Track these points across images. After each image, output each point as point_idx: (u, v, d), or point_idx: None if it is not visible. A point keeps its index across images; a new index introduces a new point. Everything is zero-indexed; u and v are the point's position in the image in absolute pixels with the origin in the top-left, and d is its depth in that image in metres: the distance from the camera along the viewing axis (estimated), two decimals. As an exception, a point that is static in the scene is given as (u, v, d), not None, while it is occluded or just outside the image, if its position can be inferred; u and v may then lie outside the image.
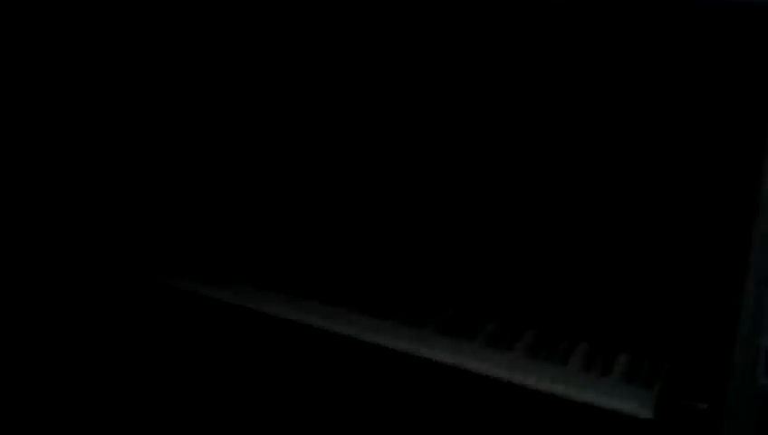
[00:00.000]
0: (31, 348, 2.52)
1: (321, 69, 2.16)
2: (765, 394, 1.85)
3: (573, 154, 1.85)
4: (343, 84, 2.11)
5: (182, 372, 2.32)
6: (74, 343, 2.49)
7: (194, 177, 2.38)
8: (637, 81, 1.77)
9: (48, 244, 2.47)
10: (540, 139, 1.88)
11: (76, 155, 2.55)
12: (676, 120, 1.74)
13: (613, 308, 1.82)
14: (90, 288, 2.37)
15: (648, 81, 1.75)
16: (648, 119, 1.77)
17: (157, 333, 2.31)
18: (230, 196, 2.32)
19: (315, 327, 1.93)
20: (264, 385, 2.17)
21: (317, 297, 2.03)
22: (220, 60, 2.31)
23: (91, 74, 2.52)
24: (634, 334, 1.81)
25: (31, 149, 2.53)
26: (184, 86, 2.38)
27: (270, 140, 2.24)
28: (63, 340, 2.50)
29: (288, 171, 2.22)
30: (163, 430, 2.36)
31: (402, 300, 2.03)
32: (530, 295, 1.91)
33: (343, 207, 2.13)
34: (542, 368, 1.74)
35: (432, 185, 2.01)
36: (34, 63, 2.51)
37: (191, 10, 2.33)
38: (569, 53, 1.82)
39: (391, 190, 2.06)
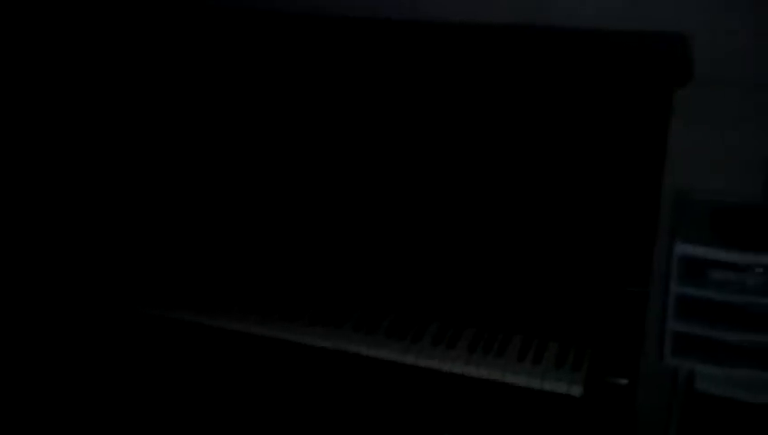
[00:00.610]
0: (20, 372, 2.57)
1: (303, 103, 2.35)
2: (673, 371, 2.15)
3: (496, 165, 2.10)
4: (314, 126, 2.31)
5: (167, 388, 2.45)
6: (60, 371, 2.57)
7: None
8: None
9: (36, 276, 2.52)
10: (460, 149, 2.13)
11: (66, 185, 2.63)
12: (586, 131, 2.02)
13: (541, 305, 2.06)
14: (75, 318, 2.44)
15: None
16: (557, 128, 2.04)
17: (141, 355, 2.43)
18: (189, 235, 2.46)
19: (278, 338, 2.10)
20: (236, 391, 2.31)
21: (278, 313, 2.18)
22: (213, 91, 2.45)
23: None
24: (560, 328, 2.05)
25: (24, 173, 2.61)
26: (173, 116, 2.51)
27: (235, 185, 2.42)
28: (50, 367, 2.58)
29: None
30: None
31: (350, 310, 2.20)
32: (464, 298, 2.13)
33: (291, 223, 2.31)
34: (483, 360, 1.95)
35: (364, 198, 2.22)
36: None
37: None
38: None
39: (331, 205, 2.26)
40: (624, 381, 1.86)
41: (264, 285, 2.30)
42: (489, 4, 2.35)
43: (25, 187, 2.68)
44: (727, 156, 2.20)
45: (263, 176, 2.37)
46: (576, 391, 1.87)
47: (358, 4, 2.53)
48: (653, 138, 1.93)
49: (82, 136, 2.62)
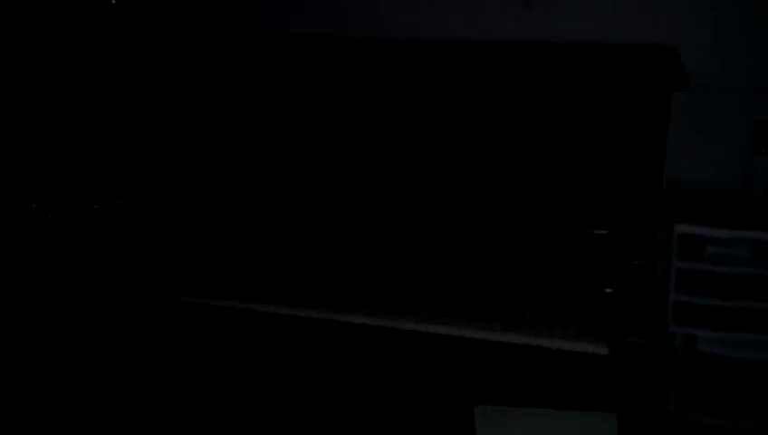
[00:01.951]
0: (32, 358, 2.71)
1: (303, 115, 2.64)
2: (673, 335, 2.46)
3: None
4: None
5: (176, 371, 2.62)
6: (74, 352, 2.70)
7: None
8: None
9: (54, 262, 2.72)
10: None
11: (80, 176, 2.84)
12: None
13: (563, 284, 2.37)
14: (90, 303, 2.64)
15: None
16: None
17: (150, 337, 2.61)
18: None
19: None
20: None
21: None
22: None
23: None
24: (582, 303, 2.34)
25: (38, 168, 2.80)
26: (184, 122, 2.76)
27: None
28: (63, 349, 2.71)
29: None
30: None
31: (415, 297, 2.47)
32: (492, 289, 2.42)
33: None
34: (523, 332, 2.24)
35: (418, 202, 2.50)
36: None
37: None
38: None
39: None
40: (642, 340, 2.18)
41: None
42: (501, 24, 2.67)
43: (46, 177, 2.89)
44: (712, 150, 2.55)
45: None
46: (603, 350, 2.17)
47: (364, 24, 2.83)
48: (655, 133, 2.28)
49: (118, 131, 2.87)
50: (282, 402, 2.51)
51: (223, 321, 2.50)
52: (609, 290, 2.31)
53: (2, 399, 2.64)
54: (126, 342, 2.65)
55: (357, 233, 2.57)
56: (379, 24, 2.81)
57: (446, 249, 2.47)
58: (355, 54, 2.66)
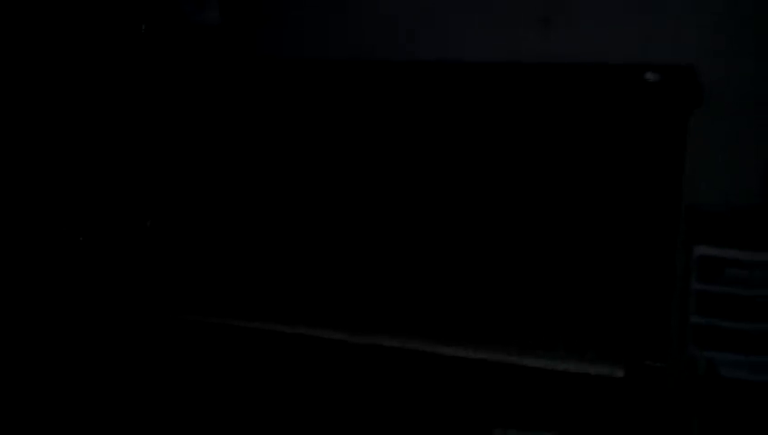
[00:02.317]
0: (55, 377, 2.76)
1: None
2: (694, 359, 2.43)
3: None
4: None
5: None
6: (96, 370, 2.75)
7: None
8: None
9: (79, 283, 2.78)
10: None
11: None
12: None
13: (583, 307, 2.35)
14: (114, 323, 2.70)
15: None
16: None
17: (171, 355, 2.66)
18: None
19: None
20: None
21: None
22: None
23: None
24: (599, 326, 2.33)
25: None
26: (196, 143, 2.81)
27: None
28: (84, 368, 2.76)
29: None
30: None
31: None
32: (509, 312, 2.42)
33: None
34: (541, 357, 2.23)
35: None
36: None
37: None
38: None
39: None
40: (658, 364, 2.15)
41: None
42: (521, 44, 2.69)
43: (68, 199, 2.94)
44: (731, 170, 2.52)
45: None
46: (618, 373, 2.15)
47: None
48: (673, 154, 2.26)
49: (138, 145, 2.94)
50: (296, 424, 2.52)
51: (245, 341, 2.53)
52: (627, 313, 2.29)
53: (17, 411, 2.69)
54: (148, 360, 2.70)
55: (377, 255, 2.59)
56: (398, 46, 2.84)
57: (463, 272, 2.47)
58: (373, 76, 2.69)
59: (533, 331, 2.33)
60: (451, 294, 2.47)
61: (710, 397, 2.46)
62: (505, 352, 2.25)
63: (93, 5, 2.93)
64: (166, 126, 2.96)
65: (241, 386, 2.60)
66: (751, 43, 2.45)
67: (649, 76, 2.32)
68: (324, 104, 2.70)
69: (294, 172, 2.74)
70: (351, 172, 2.65)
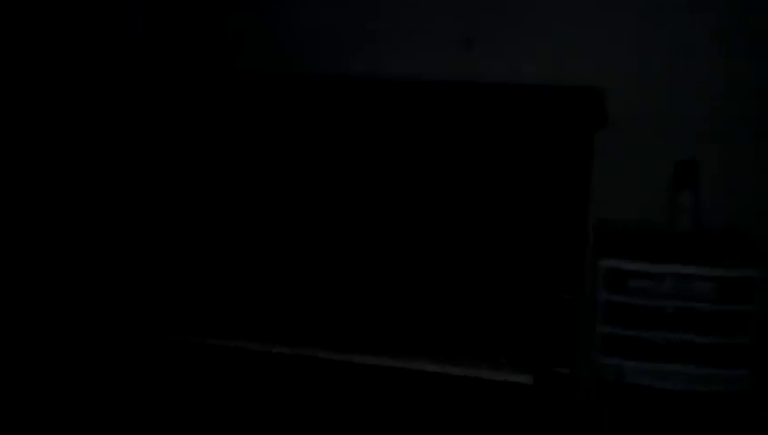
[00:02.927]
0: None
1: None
2: (602, 366, 2.54)
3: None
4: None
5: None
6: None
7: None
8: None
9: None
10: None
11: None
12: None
13: (494, 317, 2.44)
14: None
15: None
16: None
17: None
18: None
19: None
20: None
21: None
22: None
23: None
24: (510, 334, 2.42)
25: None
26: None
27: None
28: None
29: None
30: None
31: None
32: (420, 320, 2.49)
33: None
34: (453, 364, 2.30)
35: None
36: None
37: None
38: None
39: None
40: (566, 370, 2.25)
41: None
42: (443, 65, 2.79)
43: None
44: (637, 187, 2.67)
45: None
46: (527, 380, 2.24)
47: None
48: (580, 171, 2.38)
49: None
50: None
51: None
52: (537, 321, 2.38)
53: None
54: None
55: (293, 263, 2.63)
56: (326, 61, 2.91)
57: (377, 279, 2.54)
58: (298, 89, 2.77)
59: (446, 338, 2.39)
60: (364, 302, 2.53)
61: (617, 402, 2.58)
62: (415, 360, 2.31)
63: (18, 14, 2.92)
64: (88, 138, 2.95)
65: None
66: (663, 69, 2.61)
67: (557, 97, 2.44)
68: (248, 117, 2.74)
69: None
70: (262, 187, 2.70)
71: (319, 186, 2.68)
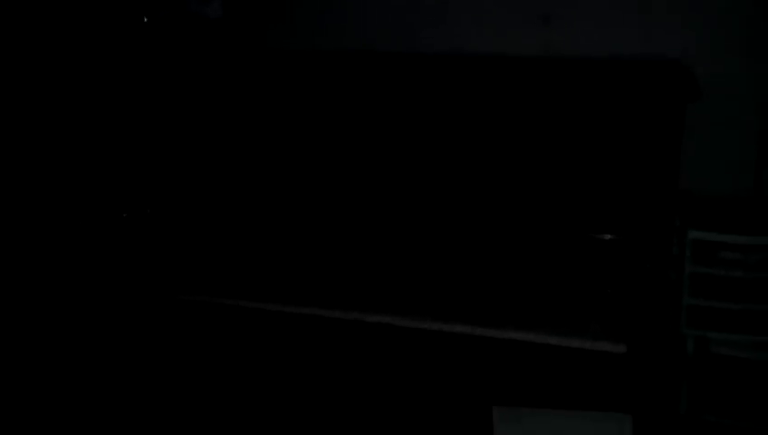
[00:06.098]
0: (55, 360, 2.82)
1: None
2: (687, 337, 2.56)
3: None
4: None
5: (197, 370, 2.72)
6: (99, 351, 2.81)
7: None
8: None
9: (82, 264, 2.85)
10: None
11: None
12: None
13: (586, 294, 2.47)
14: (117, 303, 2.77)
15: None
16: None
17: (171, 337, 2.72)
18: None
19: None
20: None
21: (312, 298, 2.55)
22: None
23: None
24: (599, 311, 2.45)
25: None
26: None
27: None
28: (88, 349, 2.82)
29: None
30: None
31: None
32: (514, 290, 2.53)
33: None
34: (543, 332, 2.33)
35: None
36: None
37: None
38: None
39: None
40: (656, 341, 2.28)
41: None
42: (522, 40, 2.80)
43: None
44: (725, 158, 2.66)
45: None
46: (620, 349, 2.26)
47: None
48: (669, 143, 2.39)
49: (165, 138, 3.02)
50: (297, 403, 2.59)
51: (240, 320, 2.60)
52: (625, 292, 2.41)
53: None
54: (147, 340, 2.76)
55: (378, 233, 2.69)
56: (403, 39, 2.94)
57: (465, 250, 2.58)
58: (373, 68, 2.80)
59: (537, 308, 2.43)
60: (453, 271, 2.57)
61: (699, 374, 2.60)
62: (508, 328, 2.34)
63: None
64: (169, 117, 3.02)
65: (245, 367, 2.66)
66: (746, 40, 2.60)
67: (648, 71, 2.44)
68: (325, 96, 2.78)
69: (296, 163, 2.82)
70: (356, 164, 2.75)
71: (400, 161, 2.72)
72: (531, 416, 2.38)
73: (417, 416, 2.49)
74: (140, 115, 3.04)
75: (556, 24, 2.80)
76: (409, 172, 2.69)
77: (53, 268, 2.88)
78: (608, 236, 2.44)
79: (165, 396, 2.75)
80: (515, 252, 2.52)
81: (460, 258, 2.58)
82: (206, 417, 2.71)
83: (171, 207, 2.97)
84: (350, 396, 2.55)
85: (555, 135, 2.49)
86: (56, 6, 2.95)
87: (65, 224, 2.93)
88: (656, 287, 2.39)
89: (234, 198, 2.90)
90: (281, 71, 2.90)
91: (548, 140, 2.50)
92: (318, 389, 2.58)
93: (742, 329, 2.50)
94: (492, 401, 2.39)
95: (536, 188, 2.52)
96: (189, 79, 3.00)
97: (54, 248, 2.90)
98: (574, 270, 2.45)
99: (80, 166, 2.99)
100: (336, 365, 2.55)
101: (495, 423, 2.38)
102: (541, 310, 2.42)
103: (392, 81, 2.73)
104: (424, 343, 2.43)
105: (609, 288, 2.43)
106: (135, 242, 2.92)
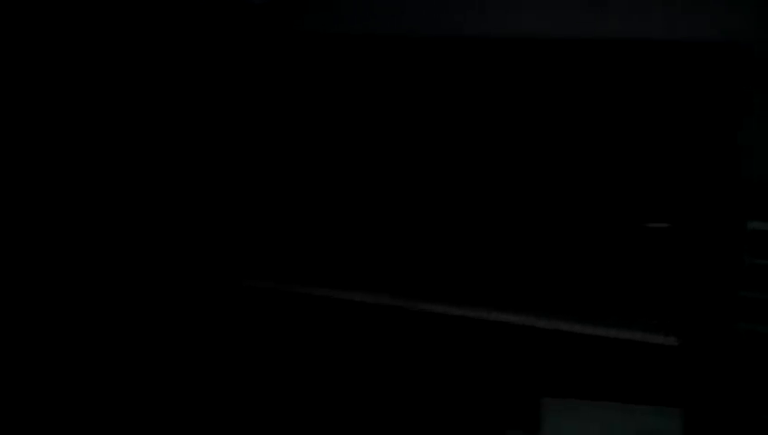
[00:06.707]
0: (132, 345, 2.88)
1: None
2: (742, 333, 2.47)
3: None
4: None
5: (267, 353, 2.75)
6: (167, 338, 2.87)
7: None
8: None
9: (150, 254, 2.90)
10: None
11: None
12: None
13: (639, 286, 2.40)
14: (184, 291, 2.80)
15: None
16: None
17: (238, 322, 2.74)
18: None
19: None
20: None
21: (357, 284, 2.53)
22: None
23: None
24: (652, 303, 2.38)
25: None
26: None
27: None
28: (159, 336, 2.88)
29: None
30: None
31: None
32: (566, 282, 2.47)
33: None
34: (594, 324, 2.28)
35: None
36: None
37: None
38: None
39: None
40: (711, 334, 2.20)
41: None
42: (572, 22, 2.72)
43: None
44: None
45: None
46: (672, 342, 2.20)
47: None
48: (728, 130, 2.29)
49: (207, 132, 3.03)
50: (358, 385, 2.60)
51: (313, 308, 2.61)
52: (678, 284, 2.33)
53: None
54: (213, 324, 2.81)
55: (444, 227, 2.65)
56: (448, 22, 2.88)
57: (521, 243, 2.53)
58: (419, 52, 2.75)
59: (589, 300, 2.37)
60: (510, 265, 2.53)
61: (756, 368, 2.50)
62: (560, 320, 2.30)
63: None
64: (213, 100, 3.03)
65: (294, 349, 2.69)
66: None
67: (706, 53, 2.34)
68: (368, 79, 2.74)
69: (338, 146, 2.79)
70: (398, 146, 2.71)
71: (451, 141, 2.67)
72: (579, 408, 2.33)
73: (469, 405, 2.48)
74: (191, 96, 3.07)
75: (609, 7, 2.71)
76: (459, 155, 2.65)
77: (122, 255, 2.95)
78: (662, 226, 2.36)
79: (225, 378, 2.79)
80: (568, 242, 2.46)
81: (518, 249, 2.53)
82: (258, 401, 2.74)
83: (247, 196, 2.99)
84: (409, 383, 2.57)
85: (609, 119, 2.41)
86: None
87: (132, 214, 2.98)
88: (711, 279, 2.31)
89: (301, 184, 2.90)
90: (323, 54, 2.88)
91: (601, 124, 2.43)
92: (380, 374, 2.60)
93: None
94: (541, 392, 2.36)
95: (590, 175, 2.45)
96: (234, 62, 3.00)
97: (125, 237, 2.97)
98: (627, 260, 2.38)
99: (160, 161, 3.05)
100: (394, 353, 2.56)
101: (544, 414, 2.34)
102: (591, 301, 2.36)
103: (435, 64, 2.69)
104: (479, 332, 2.40)
105: (662, 279, 2.36)
106: (201, 229, 2.96)
